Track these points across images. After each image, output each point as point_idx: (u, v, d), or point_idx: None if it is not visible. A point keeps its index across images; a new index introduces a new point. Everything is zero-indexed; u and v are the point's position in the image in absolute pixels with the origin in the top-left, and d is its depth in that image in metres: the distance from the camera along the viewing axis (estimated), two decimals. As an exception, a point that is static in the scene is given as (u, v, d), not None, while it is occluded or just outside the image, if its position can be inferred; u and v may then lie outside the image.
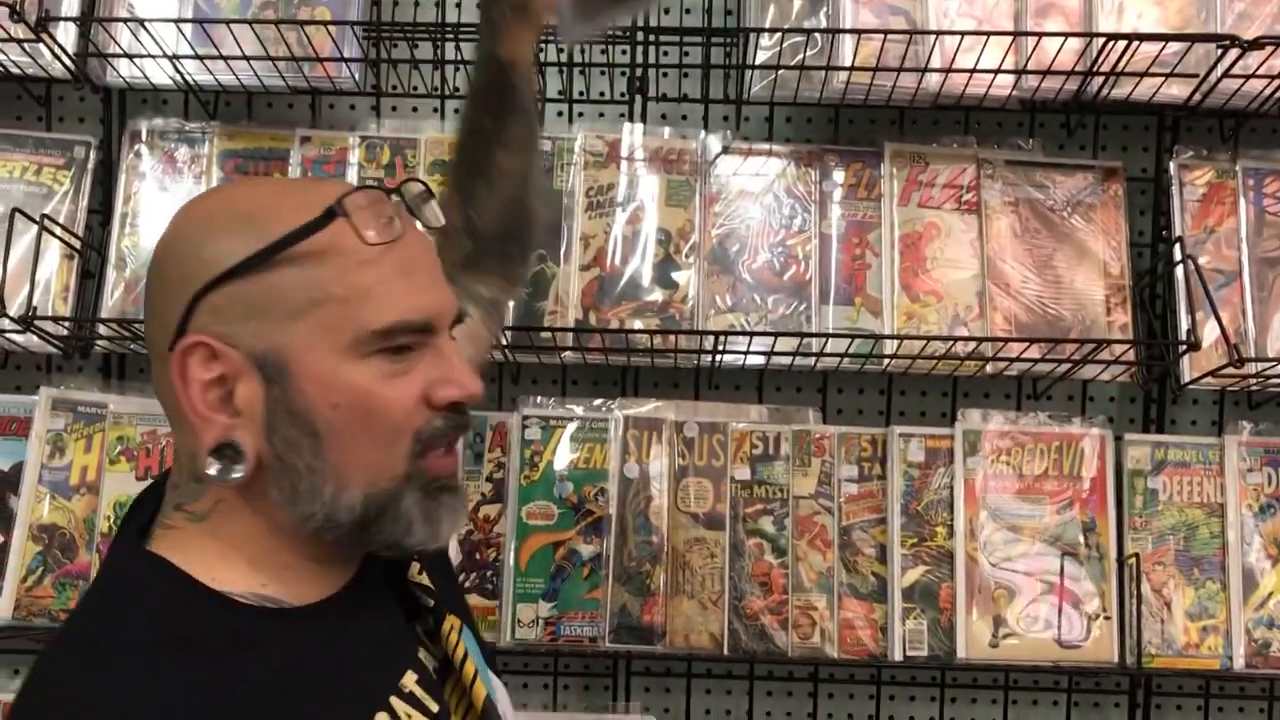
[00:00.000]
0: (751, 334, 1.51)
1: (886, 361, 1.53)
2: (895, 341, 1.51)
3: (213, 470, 0.76)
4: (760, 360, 1.54)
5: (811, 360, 1.53)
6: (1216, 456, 1.59)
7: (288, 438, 0.76)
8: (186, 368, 0.76)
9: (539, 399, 1.60)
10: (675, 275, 1.57)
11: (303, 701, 0.75)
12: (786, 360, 1.53)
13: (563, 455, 1.58)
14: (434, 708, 0.81)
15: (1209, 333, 1.52)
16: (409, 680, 0.80)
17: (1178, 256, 1.52)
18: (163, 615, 0.76)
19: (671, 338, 1.53)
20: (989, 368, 1.53)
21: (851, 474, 1.60)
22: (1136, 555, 1.54)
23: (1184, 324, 1.50)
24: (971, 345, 1.51)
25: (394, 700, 0.79)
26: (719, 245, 1.59)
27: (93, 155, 1.61)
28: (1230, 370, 1.42)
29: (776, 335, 1.51)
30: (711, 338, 1.50)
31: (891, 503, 1.57)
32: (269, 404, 0.76)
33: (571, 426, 1.58)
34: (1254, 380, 1.52)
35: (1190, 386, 1.54)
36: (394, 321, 0.77)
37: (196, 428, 0.77)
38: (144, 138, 1.61)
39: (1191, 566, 1.57)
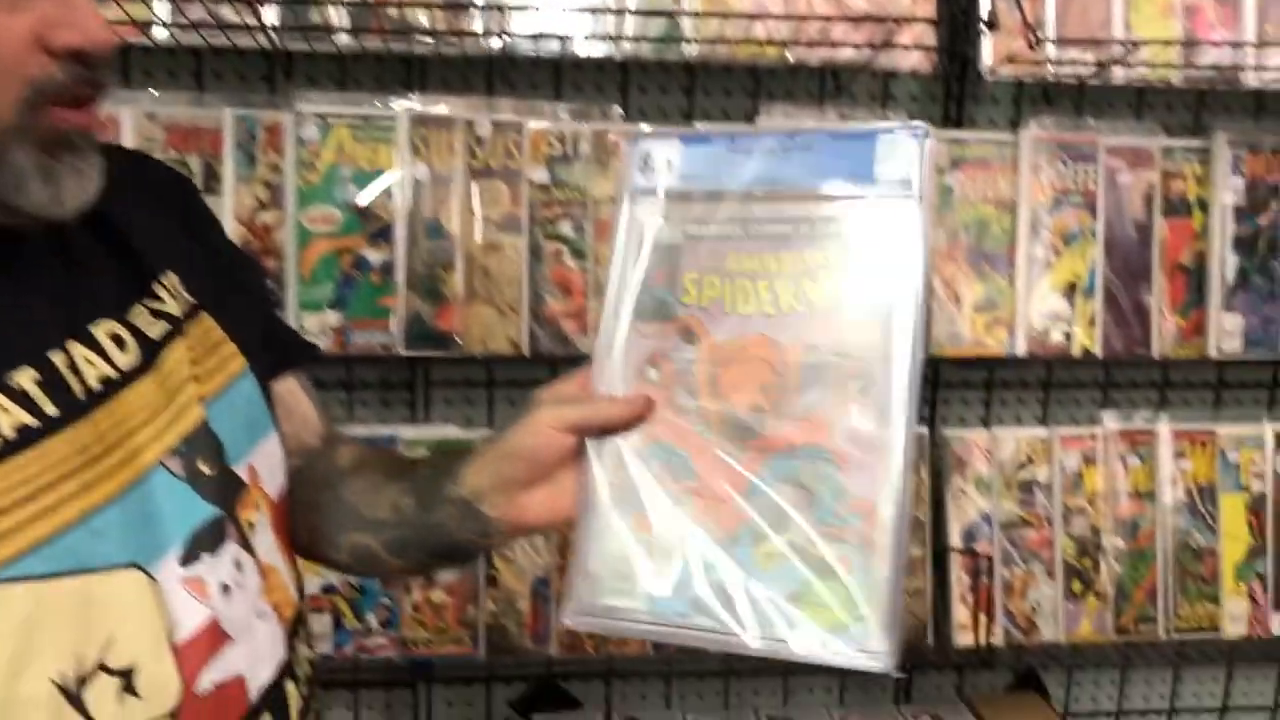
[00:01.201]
0: (544, 10, 1.40)
1: (689, 47, 1.45)
2: (697, 21, 1.43)
3: None
4: (556, 47, 1.44)
5: (610, 48, 1.44)
6: (1012, 153, 1.60)
7: None
8: None
9: (315, 94, 1.47)
10: (460, -47, 1.43)
11: None
12: (584, 50, 1.44)
13: (344, 156, 1.46)
14: (51, 410, 0.69)
15: (1010, 22, 1.50)
16: (24, 377, 0.69)
17: (983, -61, 1.47)
18: None
19: (460, 22, 1.41)
20: (790, 56, 1.47)
21: (652, 174, 1.54)
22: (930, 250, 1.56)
23: (985, 6, 1.46)
24: (775, 27, 1.44)
25: None
26: (509, -78, 1.46)
27: None
28: (1028, 55, 1.41)
29: (573, 10, 1.41)
30: (499, 16, 1.39)
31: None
32: None
33: (352, 124, 1.47)
34: (1051, 69, 1.51)
35: (989, 79, 1.52)
36: None
37: None
38: None
39: (981, 261, 1.60)
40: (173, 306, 0.81)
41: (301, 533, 0.92)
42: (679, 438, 0.80)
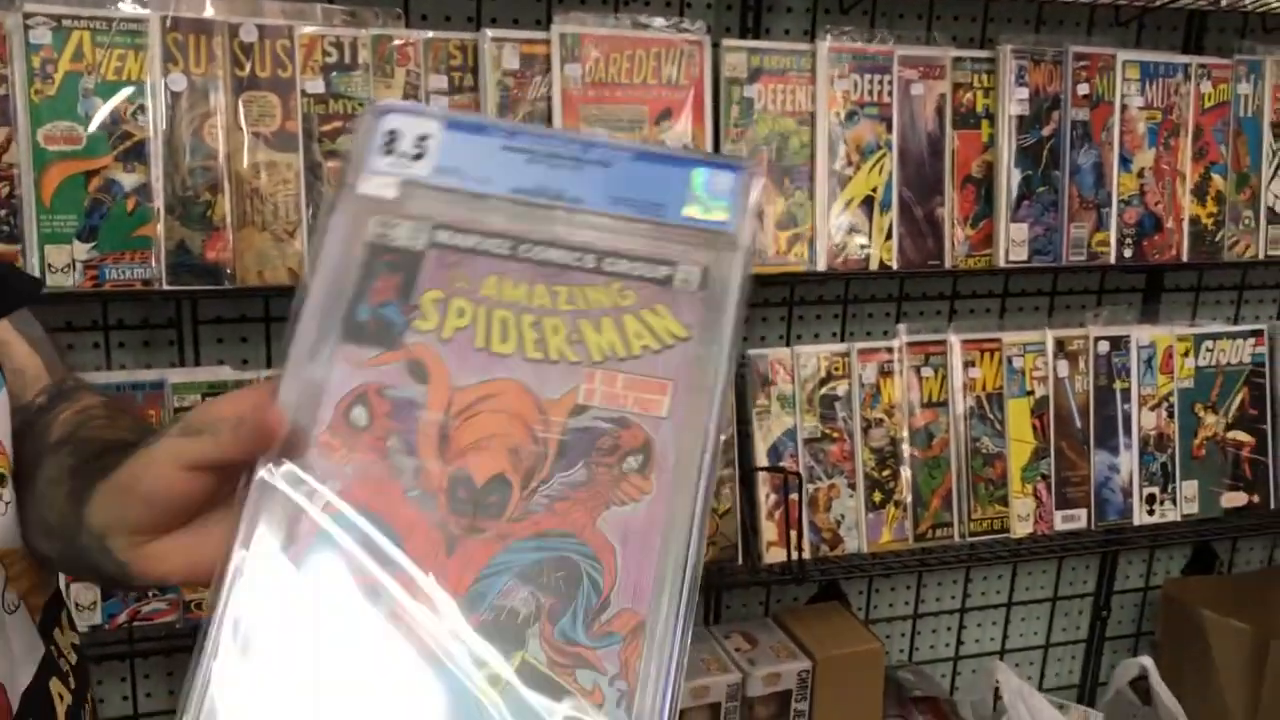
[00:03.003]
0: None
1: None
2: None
3: None
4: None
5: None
6: (809, 64, 1.57)
7: None
8: None
9: (45, -9, 1.27)
10: None
11: None
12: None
13: (85, 64, 1.28)
14: None
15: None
16: None
17: None
18: None
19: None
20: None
21: (441, 85, 1.43)
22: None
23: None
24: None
25: None
26: None
27: None
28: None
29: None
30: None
31: (484, 111, 1.43)
32: None
33: (93, 27, 1.28)
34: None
35: (788, -15, 1.48)
36: None
37: None
38: None
39: (783, 177, 1.57)
40: None
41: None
42: (387, 507, 0.57)
